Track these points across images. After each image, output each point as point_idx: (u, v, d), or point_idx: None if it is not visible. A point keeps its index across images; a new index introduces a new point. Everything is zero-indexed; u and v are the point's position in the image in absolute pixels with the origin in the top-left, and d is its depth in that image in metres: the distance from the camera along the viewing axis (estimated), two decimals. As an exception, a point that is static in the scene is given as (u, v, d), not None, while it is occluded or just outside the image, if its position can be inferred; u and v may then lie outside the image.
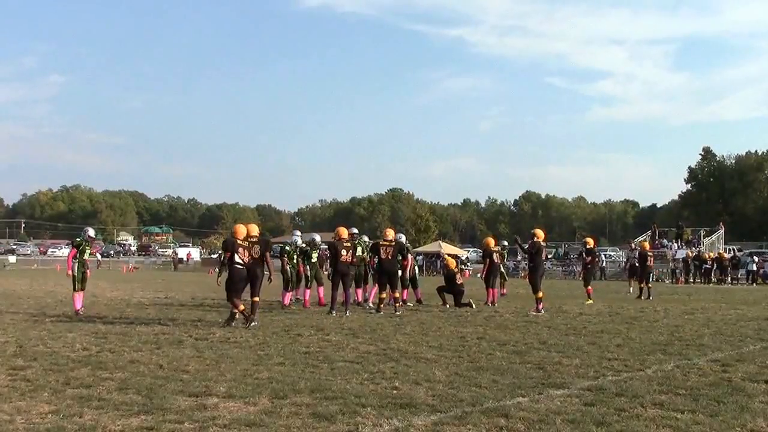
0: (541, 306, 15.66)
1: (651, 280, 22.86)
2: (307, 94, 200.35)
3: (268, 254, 13.02)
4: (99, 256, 61.18)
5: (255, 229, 13.38)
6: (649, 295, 21.33)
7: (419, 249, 52.00)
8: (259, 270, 12.76)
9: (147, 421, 5.69)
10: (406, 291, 17.60)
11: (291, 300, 16.85)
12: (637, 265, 22.92)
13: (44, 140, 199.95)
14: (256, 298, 12.83)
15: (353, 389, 6.90)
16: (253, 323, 12.25)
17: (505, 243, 25.31)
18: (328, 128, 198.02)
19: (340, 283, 14.92)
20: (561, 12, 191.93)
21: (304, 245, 17.32)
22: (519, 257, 40.22)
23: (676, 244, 42.71)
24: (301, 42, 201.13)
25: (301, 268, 16.90)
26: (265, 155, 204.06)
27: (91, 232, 15.94)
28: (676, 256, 40.13)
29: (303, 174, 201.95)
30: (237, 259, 12.43)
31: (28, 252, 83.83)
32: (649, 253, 22.82)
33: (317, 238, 18.19)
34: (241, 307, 12.38)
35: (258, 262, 12.81)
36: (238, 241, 12.58)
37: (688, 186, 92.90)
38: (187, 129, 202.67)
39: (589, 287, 19.76)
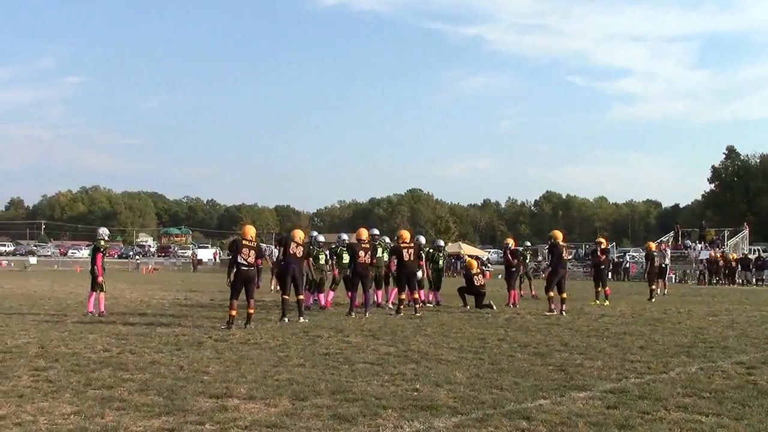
0: (553, 306, 15.48)
1: (655, 281, 22.34)
2: (325, 94, 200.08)
3: (310, 257, 14.24)
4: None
5: (300, 234, 14.06)
6: (651, 297, 20.99)
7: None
8: (298, 270, 13.52)
9: (168, 422, 5.71)
10: (431, 293, 17.57)
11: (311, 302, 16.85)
12: (663, 265, 22.45)
13: (62, 141, 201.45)
14: (301, 296, 13.69)
15: (374, 391, 6.88)
16: (251, 324, 12.36)
17: (528, 243, 25.25)
18: (346, 128, 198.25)
19: (359, 284, 14.92)
20: (580, 9, 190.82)
21: (334, 245, 17.29)
22: (539, 257, 40.20)
23: (699, 245, 42.25)
24: (318, 41, 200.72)
25: (336, 272, 16.85)
26: (283, 156, 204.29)
27: (107, 232, 16.41)
28: (700, 257, 39.70)
29: (322, 175, 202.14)
30: (240, 260, 12.44)
31: (49, 253, 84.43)
32: (654, 254, 22.57)
33: (321, 238, 18.05)
34: (233, 312, 12.31)
35: (301, 262, 13.66)
36: (244, 242, 12.58)
37: (712, 186, 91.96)
38: (204, 129, 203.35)
39: (608, 288, 19.57)
